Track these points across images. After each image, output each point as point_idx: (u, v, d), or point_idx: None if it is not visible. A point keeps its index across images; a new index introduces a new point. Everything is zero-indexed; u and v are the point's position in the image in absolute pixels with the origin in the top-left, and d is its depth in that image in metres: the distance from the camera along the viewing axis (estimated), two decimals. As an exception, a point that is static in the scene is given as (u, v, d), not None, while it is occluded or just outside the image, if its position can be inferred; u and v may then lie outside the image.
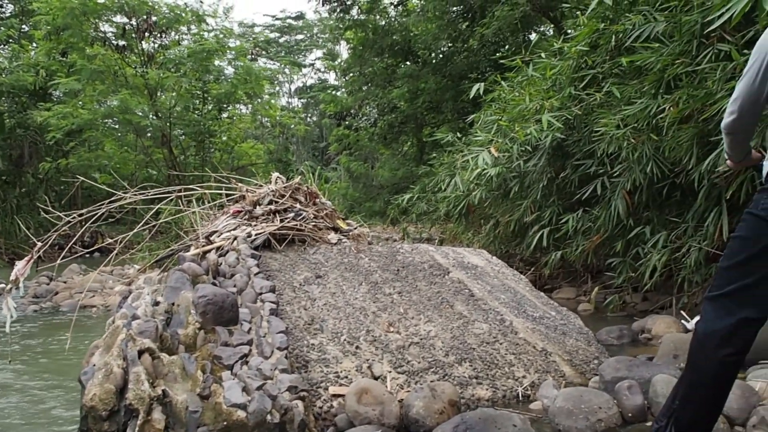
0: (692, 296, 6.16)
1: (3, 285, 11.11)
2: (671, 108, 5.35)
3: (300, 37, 44.26)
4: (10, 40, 21.07)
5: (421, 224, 13.88)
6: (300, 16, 42.86)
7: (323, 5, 19.00)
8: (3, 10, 23.15)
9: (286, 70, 42.65)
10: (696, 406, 2.40)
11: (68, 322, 8.06)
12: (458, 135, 9.91)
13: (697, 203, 5.64)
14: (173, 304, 3.94)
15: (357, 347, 4.22)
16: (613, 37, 6.48)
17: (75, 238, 6.50)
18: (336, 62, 32.18)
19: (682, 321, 5.55)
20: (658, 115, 5.53)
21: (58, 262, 6.01)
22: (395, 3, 19.43)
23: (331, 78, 41.24)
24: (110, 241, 18.05)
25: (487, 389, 3.95)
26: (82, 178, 7.23)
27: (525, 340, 4.55)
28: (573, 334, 4.89)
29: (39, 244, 5.83)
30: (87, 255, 16.07)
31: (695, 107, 5.16)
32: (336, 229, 6.35)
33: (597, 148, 6.36)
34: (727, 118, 2.55)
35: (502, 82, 8.50)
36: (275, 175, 6.71)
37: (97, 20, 16.06)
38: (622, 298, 7.01)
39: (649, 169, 5.81)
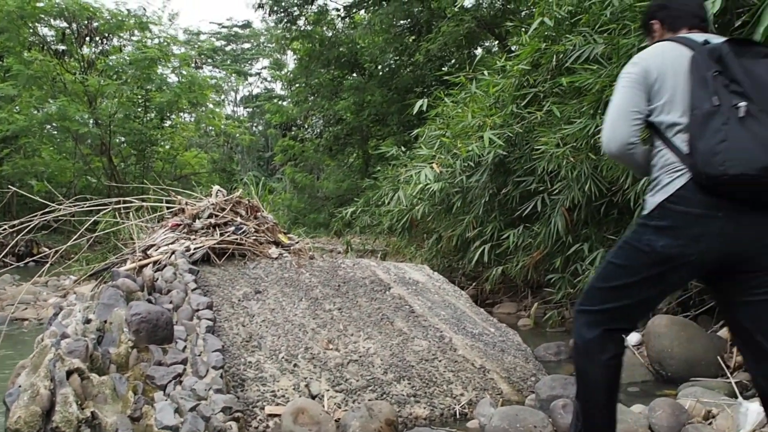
0: (628, 312, 6.29)
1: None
2: (608, 128, 5.47)
3: (246, 45, 43.88)
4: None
5: (365, 236, 13.89)
6: (246, 25, 42.51)
7: (270, 15, 18.90)
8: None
9: (232, 79, 42.24)
10: (596, 416, 2.46)
11: (-1, 334, 7.77)
12: (403, 149, 9.94)
13: (634, 222, 5.76)
14: (105, 321, 3.82)
15: (295, 365, 4.17)
16: (554, 56, 6.60)
17: (6, 250, 6.28)
18: (282, 72, 31.99)
19: (618, 337, 5.67)
20: (596, 135, 5.65)
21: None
22: (342, 15, 19.45)
23: (278, 87, 40.99)
24: (46, 251, 17.56)
25: (424, 408, 3.95)
26: (14, 189, 6.98)
27: (464, 357, 4.57)
28: (511, 351, 4.93)
29: (-33, 256, 5.61)
30: (21, 265, 15.54)
31: (631, 128, 5.29)
32: (277, 244, 6.28)
33: (538, 166, 6.46)
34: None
35: (446, 99, 8.57)
36: (216, 188, 6.61)
37: (35, 24, 15.58)
38: (561, 313, 7.11)
39: (588, 187, 5.92)
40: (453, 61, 16.59)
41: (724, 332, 5.01)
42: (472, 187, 7.72)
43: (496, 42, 15.31)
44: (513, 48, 10.86)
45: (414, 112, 8.02)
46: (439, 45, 14.06)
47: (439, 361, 4.47)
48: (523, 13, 13.42)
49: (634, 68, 2.42)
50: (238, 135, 25.14)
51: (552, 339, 6.22)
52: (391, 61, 18.75)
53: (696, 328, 4.81)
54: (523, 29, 7.98)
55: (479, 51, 16.67)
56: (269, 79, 43.00)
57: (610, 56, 5.87)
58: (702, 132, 2.18)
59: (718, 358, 4.51)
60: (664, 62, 2.36)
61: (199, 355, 3.74)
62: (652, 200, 2.40)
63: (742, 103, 2.13)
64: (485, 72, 8.24)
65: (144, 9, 16.34)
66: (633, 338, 5.51)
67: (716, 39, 2.37)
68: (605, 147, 2.49)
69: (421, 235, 9.66)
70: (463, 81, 8.28)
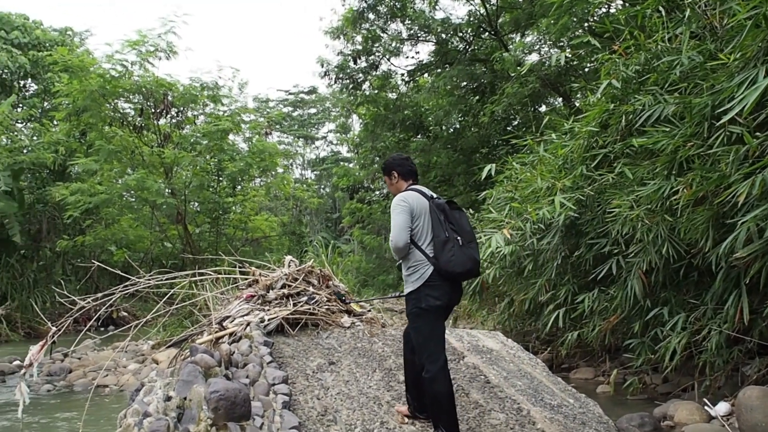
0: (715, 380, 6.01)
1: (19, 362, 11.04)
2: (685, 190, 5.33)
3: (313, 110, 45.00)
4: (32, 119, 21.57)
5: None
6: (312, 91, 43.65)
7: (335, 82, 19.34)
8: (26, 89, 23.83)
9: (300, 144, 43.27)
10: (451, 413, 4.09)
11: (81, 401, 7.99)
12: (470, 211, 9.91)
13: (716, 285, 5.57)
14: (185, 398, 3.87)
15: (371, 441, 4.12)
16: (624, 117, 6.52)
17: (90, 323, 6.49)
18: (348, 135, 32.56)
19: (705, 407, 5.41)
20: (671, 197, 5.52)
21: (73, 348, 5.99)
22: (406, 79, 19.75)
23: (344, 150, 41.71)
24: (125, 315, 18.03)
25: (506, 486, 3.83)
26: (96, 263, 7.25)
27: (543, 431, 4.43)
28: (593, 423, 4.76)
29: (53, 329, 5.81)
30: (102, 329, 16.05)
31: (709, 189, 5.15)
32: (349, 312, 6.30)
33: (611, 228, 6.34)
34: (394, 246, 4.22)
35: (514, 163, 8.54)
36: (288, 258, 6.70)
37: (115, 101, 16.36)
38: (642, 380, 6.86)
39: (665, 250, 5.76)
40: (518, 120, 16.58)
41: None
42: (544, 250, 7.62)
43: (561, 100, 15.27)
44: (577, 105, 10.82)
45: (483, 177, 8.01)
46: (503, 106, 14.09)
47: (518, 435, 4.35)
48: (587, 69, 13.37)
49: (405, 203, 4.20)
50: (306, 198, 25.56)
51: (634, 408, 5.99)
52: (456, 123, 18.83)
53: (791, 400, 4.55)
54: (589, 88, 7.95)
55: (543, 108, 16.61)
56: (335, 142, 43.85)
57: (683, 115, 5.77)
58: (441, 250, 4.10)
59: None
60: (419, 205, 4.22)
61: (277, 433, 3.74)
62: (417, 282, 4.13)
63: (459, 238, 4.15)
64: (552, 134, 8.21)
65: (216, 82, 16.90)
66: (722, 408, 5.26)
67: (431, 193, 4.37)
68: (395, 245, 4.17)
69: (493, 298, 9.53)
70: (531, 144, 8.26)
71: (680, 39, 6.23)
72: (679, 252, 5.75)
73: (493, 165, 7.93)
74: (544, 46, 15.84)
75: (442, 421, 4.02)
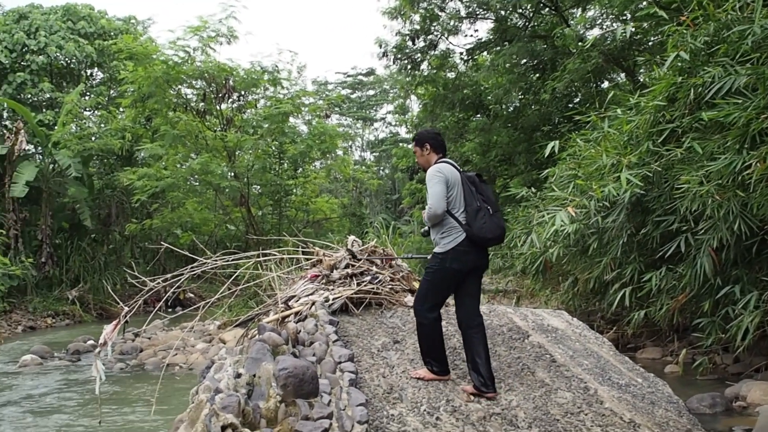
0: (790, 359, 5.84)
1: (93, 341, 11.51)
2: (758, 164, 5.16)
3: (371, 92, 45.02)
4: (99, 106, 22.22)
5: (497, 277, 13.78)
6: (370, 72, 43.63)
7: (394, 63, 19.26)
8: (93, 77, 24.53)
9: (358, 126, 43.39)
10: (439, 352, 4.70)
11: (152, 379, 8.30)
12: (532, 189, 9.79)
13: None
14: (254, 375, 3.97)
15: (437, 418, 4.15)
16: (692, 90, 6.32)
17: (159, 304, 6.71)
18: (407, 116, 32.45)
19: (780, 387, 5.26)
20: (743, 171, 5.35)
21: (144, 327, 6.21)
22: (465, 58, 19.52)
23: (402, 131, 41.62)
24: (191, 296, 18.49)
25: (573, 465, 3.81)
26: (165, 245, 7.47)
27: (611, 410, 4.39)
28: (662, 403, 4.68)
29: (126, 309, 6.02)
30: (170, 309, 16.56)
31: (784, 163, 4.97)
32: (412, 292, 6.32)
33: (679, 205, 6.18)
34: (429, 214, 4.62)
35: (578, 140, 8.38)
36: (351, 238, 6.76)
37: (179, 87, 16.69)
38: (712, 359, 6.70)
39: (737, 226, 5.59)
40: (579, 97, 16.23)
41: None
42: (609, 228, 7.47)
43: (624, 75, 14.88)
44: (642, 79, 10.53)
45: (546, 155, 7.90)
46: (565, 83, 13.81)
47: (585, 414, 4.32)
48: (651, 42, 12.97)
49: (441, 174, 4.56)
50: (366, 179, 25.62)
51: (704, 388, 5.87)
52: (516, 101, 18.57)
53: None
54: (655, 62, 7.72)
55: (605, 85, 16.21)
56: (394, 123, 43.82)
57: (755, 87, 5.57)
58: (474, 218, 4.51)
59: None
60: (452, 176, 4.60)
61: (344, 409, 3.80)
62: (448, 245, 4.52)
63: (488, 207, 4.57)
64: (617, 109, 8.03)
65: (276, 66, 17.05)
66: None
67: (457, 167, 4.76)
68: (434, 212, 4.53)
69: (556, 277, 9.42)
70: (595, 120, 8.09)
71: (752, 7, 6.00)
72: (752, 228, 5.58)
73: (556, 142, 7.80)
74: (606, 20, 15.45)
75: (435, 355, 4.63)
